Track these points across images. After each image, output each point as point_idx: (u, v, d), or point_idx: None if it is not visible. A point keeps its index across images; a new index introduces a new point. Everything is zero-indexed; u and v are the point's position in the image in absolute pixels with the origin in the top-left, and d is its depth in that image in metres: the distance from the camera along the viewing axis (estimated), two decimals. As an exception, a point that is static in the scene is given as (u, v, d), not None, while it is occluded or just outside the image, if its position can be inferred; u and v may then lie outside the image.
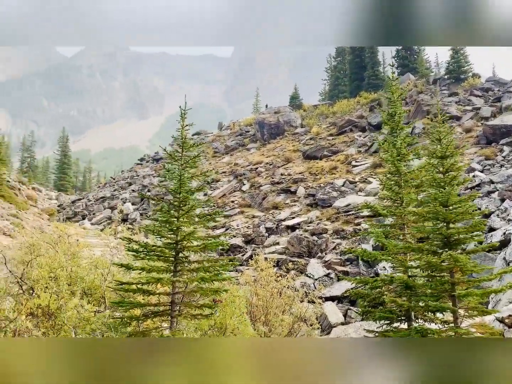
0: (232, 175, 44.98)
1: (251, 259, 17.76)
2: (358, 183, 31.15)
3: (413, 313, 6.47)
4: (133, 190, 48.90)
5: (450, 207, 6.39)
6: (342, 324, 17.03)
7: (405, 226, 7.01)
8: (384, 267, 20.00)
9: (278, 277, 14.88)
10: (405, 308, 6.17)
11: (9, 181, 36.66)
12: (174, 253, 6.13)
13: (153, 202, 6.38)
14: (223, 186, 43.23)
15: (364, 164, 34.72)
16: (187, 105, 6.99)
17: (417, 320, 6.63)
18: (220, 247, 29.37)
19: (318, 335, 16.07)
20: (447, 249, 6.21)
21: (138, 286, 5.60)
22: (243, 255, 26.06)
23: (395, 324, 6.66)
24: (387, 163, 7.34)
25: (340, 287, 19.65)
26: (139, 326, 7.25)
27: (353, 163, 35.80)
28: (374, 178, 30.86)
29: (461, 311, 6.43)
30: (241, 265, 24.75)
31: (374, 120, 43.07)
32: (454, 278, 6.27)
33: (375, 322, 6.56)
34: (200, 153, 6.39)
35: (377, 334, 6.62)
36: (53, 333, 7.31)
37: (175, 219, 6.04)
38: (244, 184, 41.89)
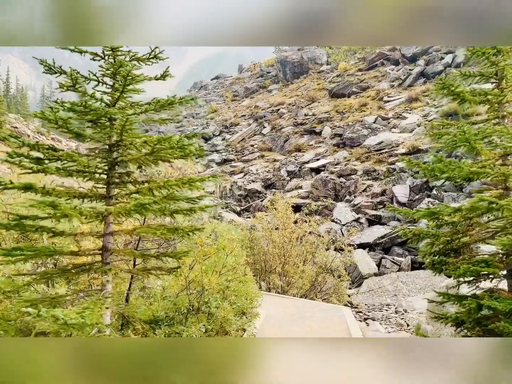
0: (252, 118, 41.94)
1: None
2: (391, 119, 27.70)
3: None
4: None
5: None
6: (375, 275, 14.71)
7: (506, 121, 4.19)
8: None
9: (296, 221, 12.48)
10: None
11: (16, 127, 34.98)
12: (107, 166, 3.58)
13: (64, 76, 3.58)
14: (242, 130, 40.41)
15: (398, 99, 30.99)
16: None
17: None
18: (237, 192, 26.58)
19: (347, 288, 13.84)
20: None
21: (36, 222, 3.11)
22: (261, 201, 23.67)
23: (485, 284, 4.02)
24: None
25: (372, 233, 17.11)
26: (73, 286, 4.81)
27: (385, 98, 32.08)
28: (410, 113, 27.29)
29: None
30: (260, 210, 22.45)
31: (408, 52, 38.49)
32: None
33: (455, 279, 3.95)
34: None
35: (451, 297, 4.02)
36: None
37: (104, 104, 3.42)
38: (264, 127, 38.95)
